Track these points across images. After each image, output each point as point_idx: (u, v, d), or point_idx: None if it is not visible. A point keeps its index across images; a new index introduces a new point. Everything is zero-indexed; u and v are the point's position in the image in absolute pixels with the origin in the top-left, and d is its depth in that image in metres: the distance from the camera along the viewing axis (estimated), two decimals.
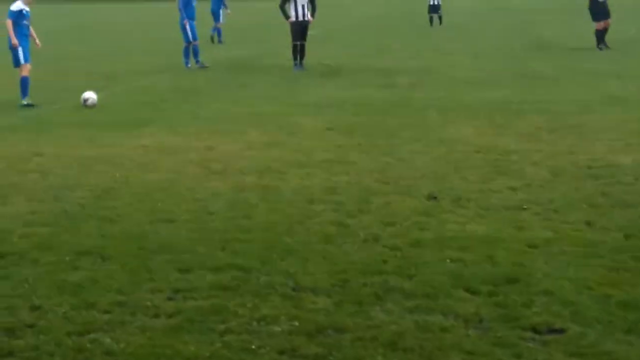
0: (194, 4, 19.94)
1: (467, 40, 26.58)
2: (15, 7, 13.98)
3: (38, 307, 5.51)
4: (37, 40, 14.31)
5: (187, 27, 19.65)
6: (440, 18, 33.01)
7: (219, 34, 27.15)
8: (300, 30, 18.68)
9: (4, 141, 11.08)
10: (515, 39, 26.40)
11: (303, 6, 18.53)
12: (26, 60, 14.01)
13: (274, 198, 8.14)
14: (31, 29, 14.24)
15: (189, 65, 19.79)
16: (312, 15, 18.71)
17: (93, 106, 13.55)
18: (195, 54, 19.97)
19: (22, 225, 7.32)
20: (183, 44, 20.09)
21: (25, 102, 13.85)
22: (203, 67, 19.75)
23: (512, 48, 23.64)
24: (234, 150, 10.39)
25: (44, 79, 17.71)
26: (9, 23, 13.84)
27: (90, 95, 13.66)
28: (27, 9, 14.16)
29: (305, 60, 18.91)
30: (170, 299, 5.64)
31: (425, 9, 34.00)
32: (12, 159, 9.90)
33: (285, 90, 15.88)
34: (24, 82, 14.01)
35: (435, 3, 33.14)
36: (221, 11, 27.14)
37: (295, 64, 18.86)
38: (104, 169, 9.42)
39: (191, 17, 19.72)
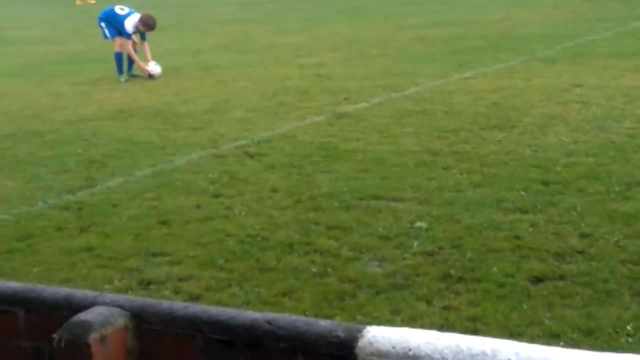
0: None
1: None
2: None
3: (588, 234, 5.78)
4: None
5: None
6: None
7: None
8: None
9: (543, 73, 11.62)
10: None
11: None
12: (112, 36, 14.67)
13: None
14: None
15: None
16: None
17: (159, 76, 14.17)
18: None
19: (565, 155, 7.68)
20: None
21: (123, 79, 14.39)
22: None
23: None
24: None
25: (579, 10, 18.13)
26: None
27: (157, 69, 14.28)
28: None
29: None
30: None
31: None
32: (552, 90, 10.36)
33: None
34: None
35: None
36: None
37: None
38: None
39: None
